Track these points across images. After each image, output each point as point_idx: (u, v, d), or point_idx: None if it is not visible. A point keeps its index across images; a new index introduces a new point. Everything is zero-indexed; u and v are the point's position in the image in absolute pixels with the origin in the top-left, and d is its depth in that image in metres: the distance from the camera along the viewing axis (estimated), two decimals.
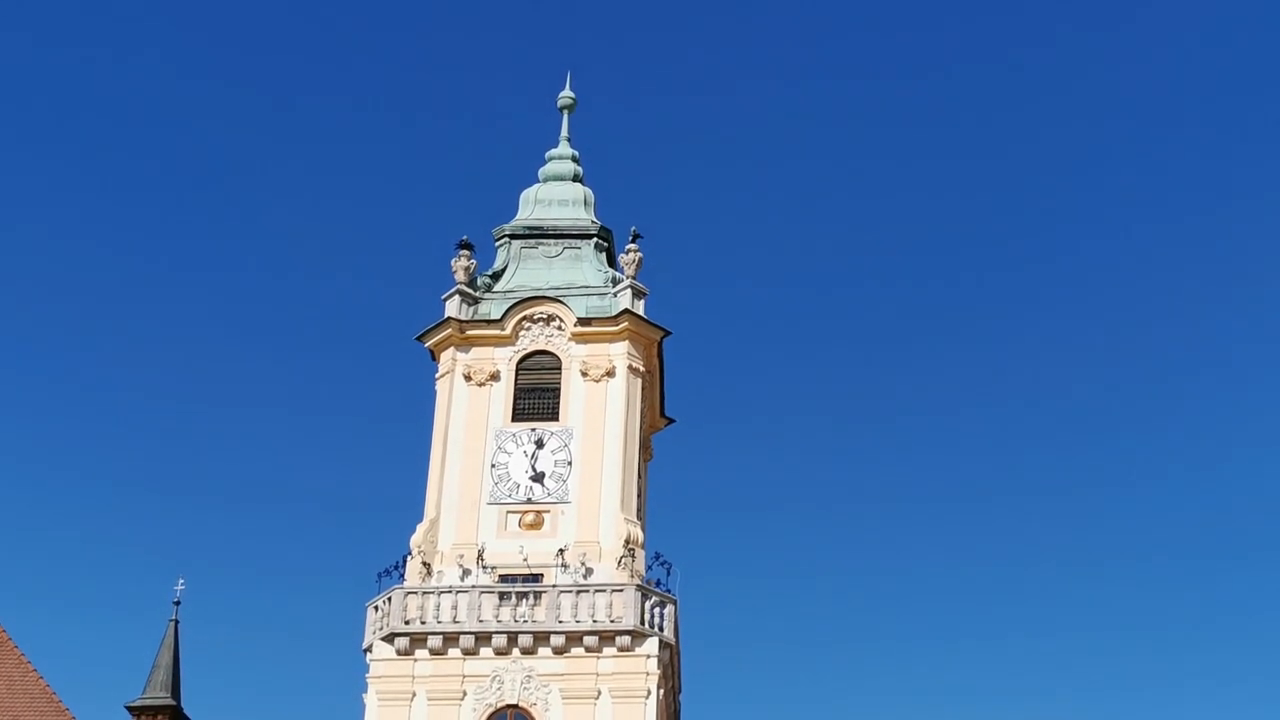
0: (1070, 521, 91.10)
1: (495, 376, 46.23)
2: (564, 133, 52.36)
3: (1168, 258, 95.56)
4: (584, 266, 48.66)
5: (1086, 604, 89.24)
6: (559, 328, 46.71)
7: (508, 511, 44.32)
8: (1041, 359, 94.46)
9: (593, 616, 41.87)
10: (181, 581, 47.84)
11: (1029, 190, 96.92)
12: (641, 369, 46.66)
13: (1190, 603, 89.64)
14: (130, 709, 45.70)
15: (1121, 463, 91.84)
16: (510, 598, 42.31)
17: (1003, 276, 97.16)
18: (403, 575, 43.46)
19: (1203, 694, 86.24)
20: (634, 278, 47.05)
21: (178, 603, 47.50)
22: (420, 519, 44.47)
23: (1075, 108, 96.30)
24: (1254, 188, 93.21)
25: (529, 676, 41.53)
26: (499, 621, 41.97)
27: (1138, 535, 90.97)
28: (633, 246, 47.46)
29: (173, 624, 47.29)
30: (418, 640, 41.95)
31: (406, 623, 42.06)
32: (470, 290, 47.36)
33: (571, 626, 41.73)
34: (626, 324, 46.32)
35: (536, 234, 49.37)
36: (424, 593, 42.48)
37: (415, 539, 44.00)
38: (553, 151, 51.99)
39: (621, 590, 42.14)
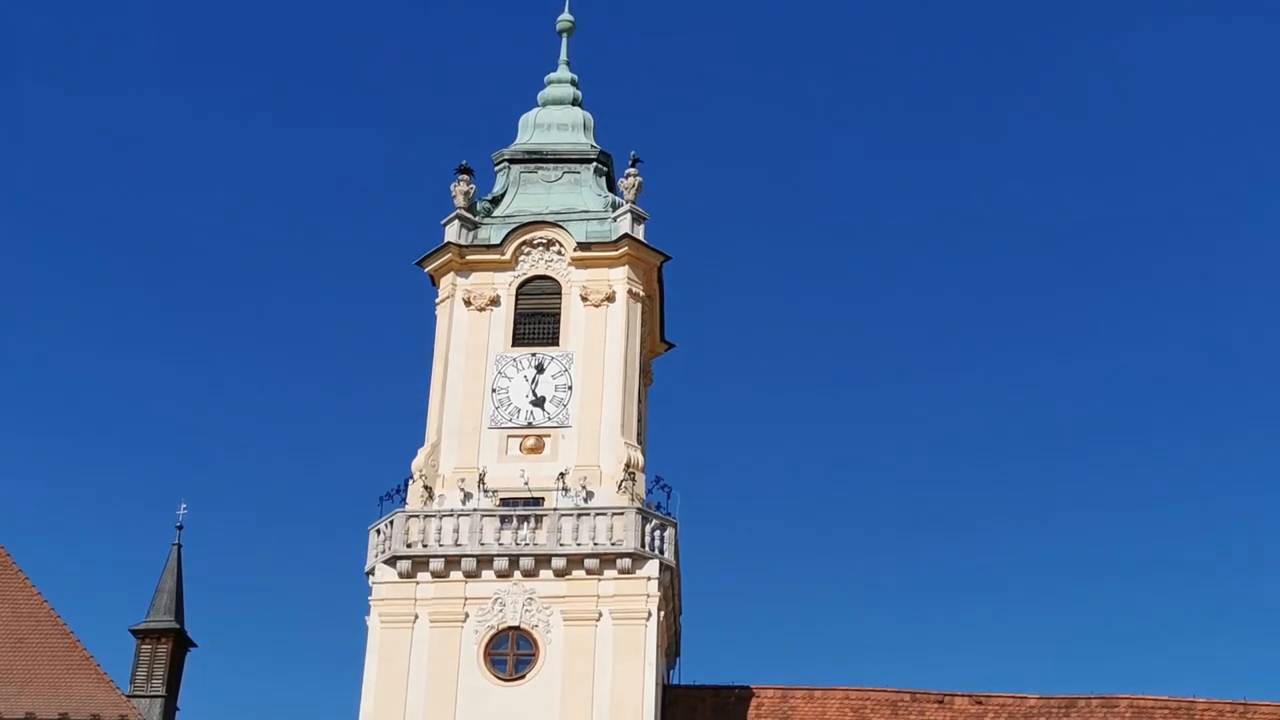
0: (1079, 429, 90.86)
1: (495, 301, 46.29)
2: (563, 56, 52.11)
3: None
4: (583, 191, 48.60)
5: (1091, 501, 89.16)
6: (559, 253, 46.71)
7: (508, 436, 44.51)
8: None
9: (593, 539, 42.14)
10: (184, 506, 48.12)
11: None
12: (641, 294, 46.71)
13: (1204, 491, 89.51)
14: (134, 632, 46.01)
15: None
16: (511, 521, 42.58)
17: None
18: (404, 499, 43.72)
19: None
20: (634, 202, 47.00)
21: (180, 527, 47.77)
22: (421, 443, 44.69)
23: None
24: None
25: (530, 599, 41.85)
26: (500, 545, 42.25)
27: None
28: (632, 171, 47.38)
29: (176, 548, 47.55)
30: (419, 563, 42.25)
31: (408, 546, 42.34)
32: (470, 215, 47.33)
33: (572, 549, 42.02)
34: (626, 249, 46.31)
35: (536, 158, 49.27)
36: (425, 516, 42.74)
37: (417, 463, 44.22)
38: (552, 75, 51.77)
39: (622, 513, 42.39)
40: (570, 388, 44.88)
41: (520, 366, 45.31)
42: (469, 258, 46.65)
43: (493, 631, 41.67)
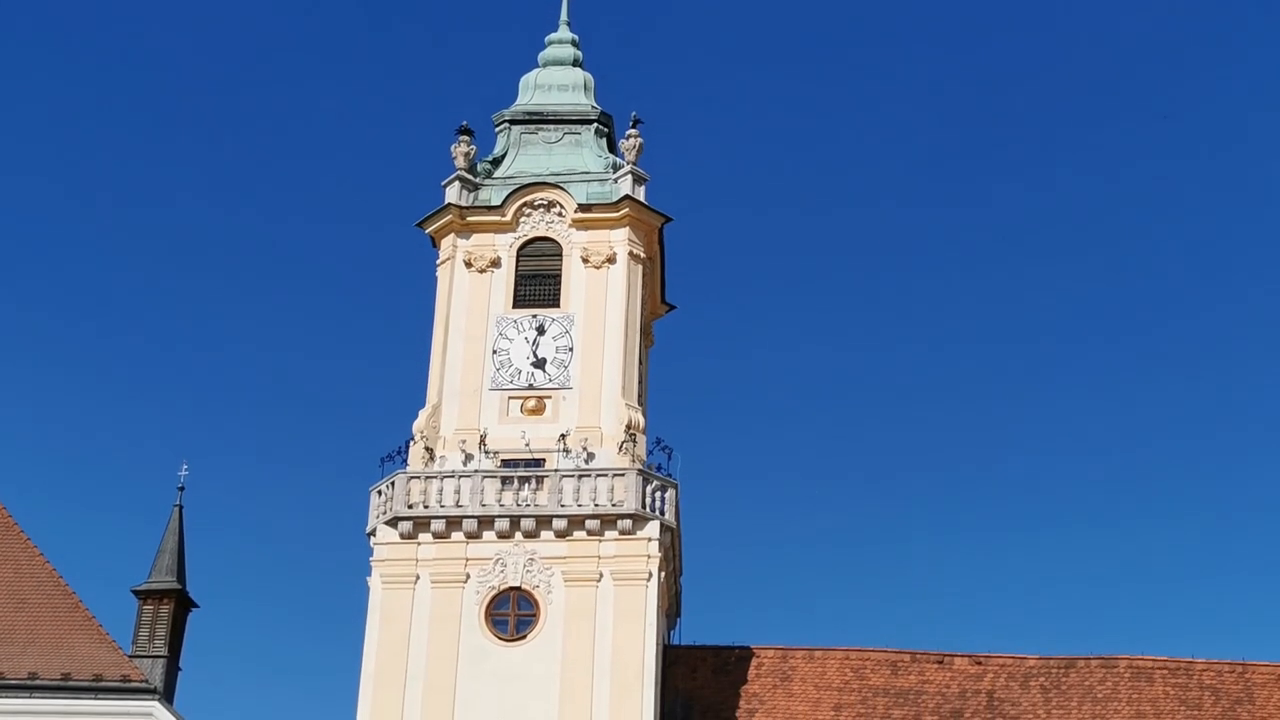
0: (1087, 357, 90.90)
1: (496, 263, 46.24)
2: (564, 16, 51.90)
3: None
4: (584, 152, 48.49)
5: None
6: (559, 214, 46.65)
7: (509, 397, 44.54)
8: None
9: (594, 500, 42.23)
10: (185, 467, 48.09)
11: None
12: (642, 255, 46.66)
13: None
14: (136, 593, 46.07)
15: None
16: (512, 482, 42.65)
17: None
18: (405, 460, 43.79)
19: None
20: (634, 163, 46.88)
21: (182, 488, 47.72)
22: (423, 405, 44.73)
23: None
24: None
25: (531, 559, 41.96)
26: (501, 506, 42.34)
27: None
28: (633, 132, 47.24)
29: (177, 509, 47.56)
30: (420, 524, 42.34)
31: (410, 507, 42.43)
32: (470, 176, 47.24)
33: (573, 510, 42.11)
34: (627, 210, 46.25)
35: (536, 119, 49.12)
36: (427, 477, 42.81)
37: (418, 424, 44.27)
38: (552, 36, 51.57)
39: (623, 475, 42.46)
40: (571, 349, 44.89)
41: (521, 328, 45.31)
42: (469, 219, 46.60)
43: (494, 592, 41.79)
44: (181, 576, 46.58)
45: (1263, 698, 42.97)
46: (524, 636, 41.38)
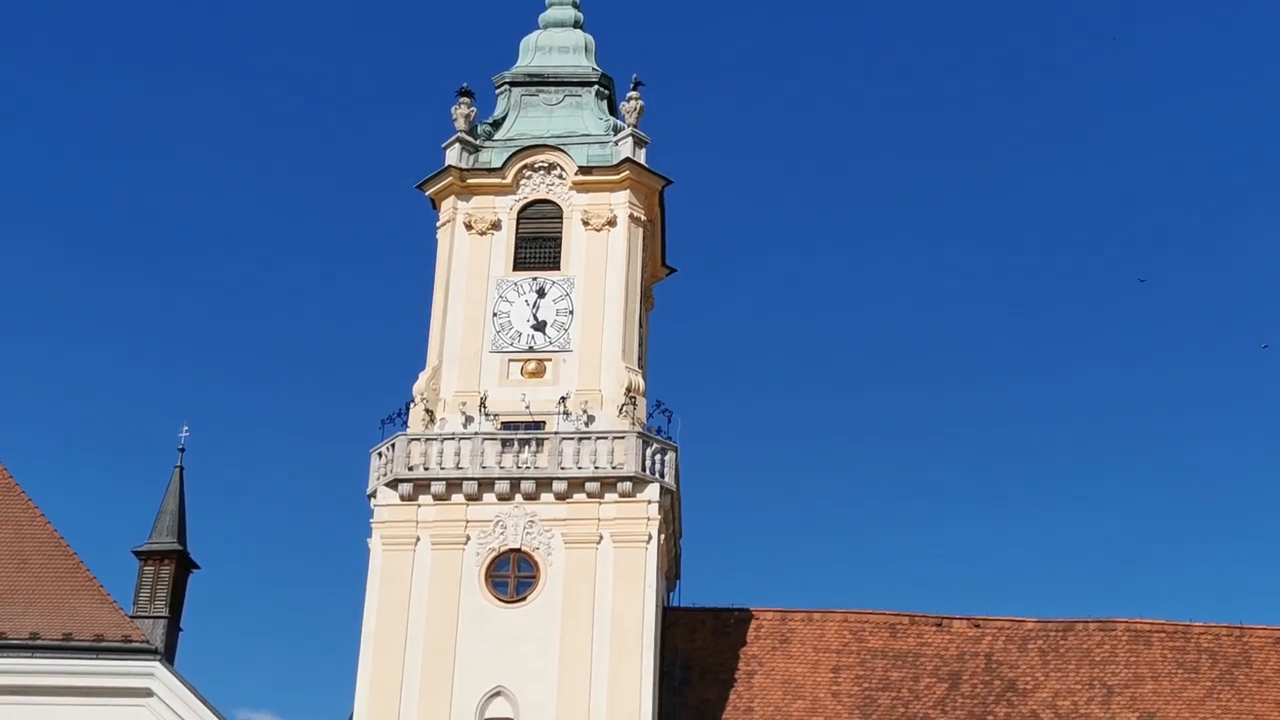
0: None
1: (496, 225, 46.18)
2: None
3: None
4: (585, 115, 48.37)
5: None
6: (560, 176, 46.56)
7: (509, 360, 44.55)
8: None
9: (594, 463, 42.27)
10: (186, 428, 48.11)
11: None
12: (643, 218, 46.60)
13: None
14: (137, 553, 46.15)
15: None
16: (513, 445, 42.68)
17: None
18: (405, 422, 43.80)
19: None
20: (635, 126, 46.75)
21: (183, 449, 47.74)
22: (423, 367, 44.75)
23: None
24: None
25: (531, 521, 42.04)
26: (501, 468, 42.38)
27: None
28: (634, 94, 47.08)
29: (178, 470, 47.60)
30: (421, 486, 42.39)
31: (410, 469, 42.48)
32: (470, 138, 47.13)
33: (574, 473, 42.16)
34: (628, 173, 46.15)
35: (537, 81, 48.95)
36: (427, 439, 42.86)
37: (418, 387, 44.29)
38: None
39: (623, 437, 42.51)
40: (571, 312, 44.85)
41: (521, 291, 45.28)
42: (469, 181, 46.51)
43: (494, 554, 41.88)
44: (182, 537, 46.66)
45: (1260, 660, 43.16)
46: (524, 598, 41.48)
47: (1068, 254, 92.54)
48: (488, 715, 40.47)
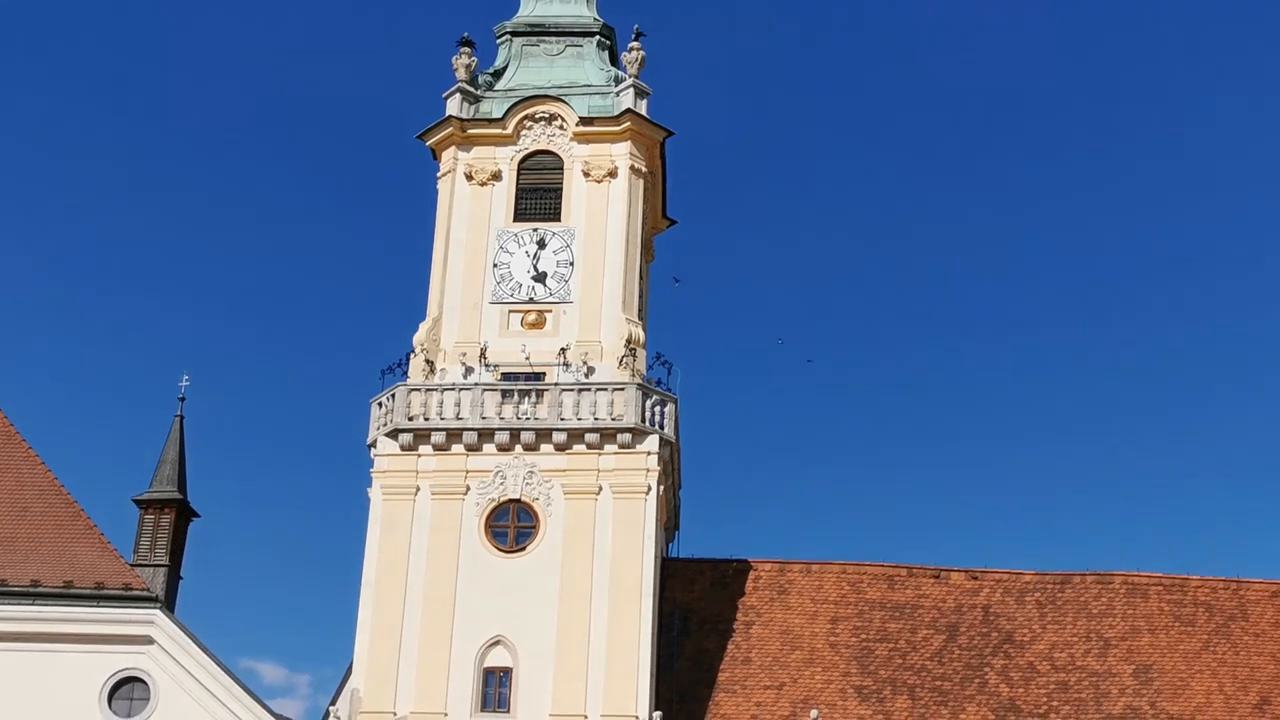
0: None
1: (497, 176, 46.06)
2: None
3: None
4: (586, 65, 48.17)
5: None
6: (561, 127, 46.41)
7: (510, 311, 44.52)
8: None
9: (594, 414, 42.31)
10: (186, 377, 48.19)
11: None
12: (644, 169, 46.47)
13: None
14: (137, 502, 46.32)
15: None
16: (513, 395, 42.71)
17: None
18: (406, 373, 43.82)
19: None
20: (637, 77, 46.58)
21: (183, 399, 47.87)
22: (423, 317, 44.72)
23: None
24: None
25: (531, 472, 42.09)
26: (501, 419, 42.40)
27: None
28: (635, 45, 46.90)
29: (178, 419, 47.71)
30: (421, 436, 42.45)
31: (410, 419, 42.52)
32: (471, 89, 46.96)
33: (573, 424, 42.20)
34: (629, 124, 46.00)
35: (538, 31, 48.75)
36: (427, 390, 42.88)
37: (418, 337, 44.28)
38: None
39: (623, 389, 42.53)
40: (572, 263, 44.79)
41: (522, 242, 45.20)
42: (470, 132, 46.37)
43: (494, 504, 41.96)
44: (182, 486, 46.81)
45: (1256, 614, 43.35)
46: (523, 548, 41.58)
47: (1066, 202, 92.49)
48: (487, 664, 40.65)
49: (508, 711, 40.22)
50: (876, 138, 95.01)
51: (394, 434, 42.58)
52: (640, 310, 45.63)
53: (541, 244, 45.10)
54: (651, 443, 42.28)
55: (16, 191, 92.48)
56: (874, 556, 45.28)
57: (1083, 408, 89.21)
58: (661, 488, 42.42)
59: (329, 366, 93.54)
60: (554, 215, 45.62)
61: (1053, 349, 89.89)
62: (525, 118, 46.45)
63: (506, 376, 43.35)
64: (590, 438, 42.22)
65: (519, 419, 42.39)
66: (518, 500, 41.98)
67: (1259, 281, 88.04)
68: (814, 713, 38.43)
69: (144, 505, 46.24)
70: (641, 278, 46.33)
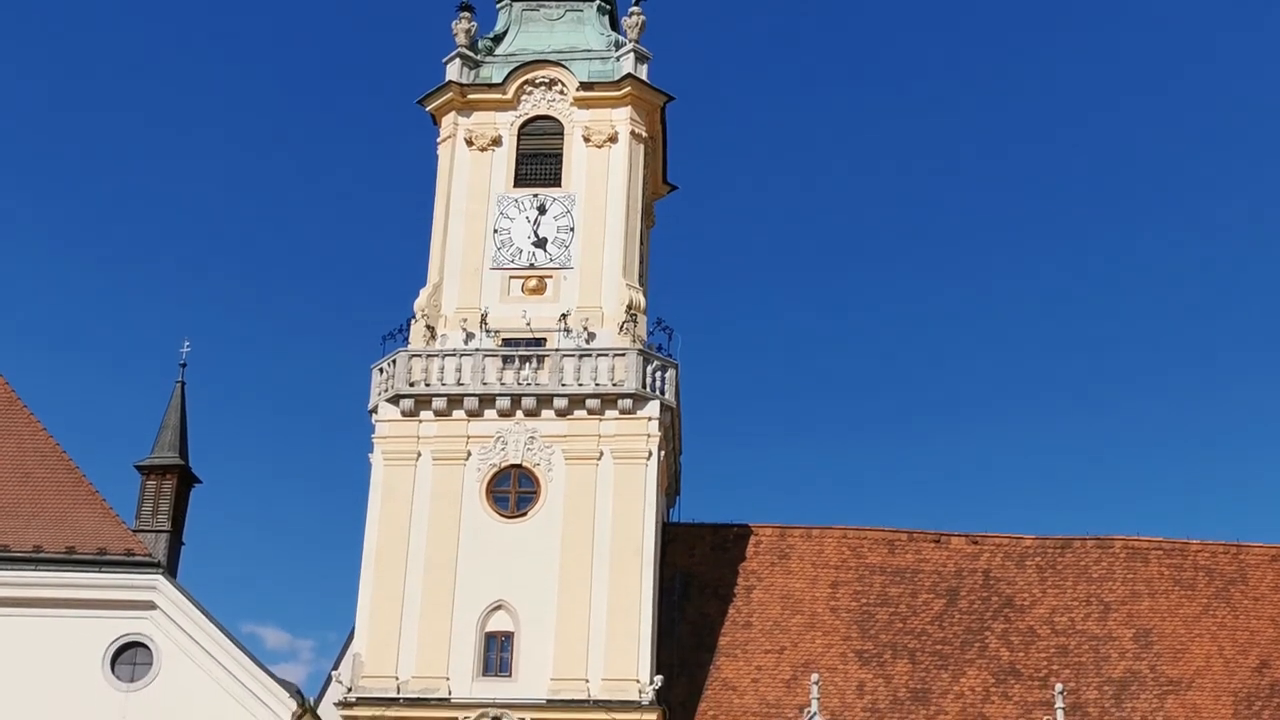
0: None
1: (497, 141, 45.95)
2: None
3: None
4: (586, 30, 48.02)
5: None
6: (561, 92, 46.28)
7: (510, 276, 44.48)
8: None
9: (595, 380, 42.32)
10: (188, 344, 48.19)
11: None
12: (644, 134, 46.35)
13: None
14: (139, 468, 46.37)
15: None
16: (513, 361, 42.72)
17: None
18: (407, 338, 43.82)
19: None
20: (637, 42, 46.44)
21: (184, 364, 47.85)
22: (424, 283, 44.69)
23: None
24: None
25: (532, 438, 42.13)
26: (502, 384, 42.42)
27: None
28: (636, 9, 46.74)
29: (179, 385, 47.72)
30: (422, 401, 42.48)
31: (411, 384, 42.55)
32: (471, 53, 46.82)
33: (574, 390, 42.22)
34: (629, 89, 45.88)
35: None
36: (428, 355, 42.90)
37: (419, 303, 44.27)
38: None
39: (623, 354, 42.54)
40: (572, 229, 44.73)
41: (522, 207, 45.14)
42: (470, 97, 46.24)
43: (495, 469, 42.01)
44: (184, 452, 46.84)
45: (1256, 578, 43.43)
46: (524, 514, 41.65)
47: (1064, 169, 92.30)
48: (488, 628, 40.76)
49: (509, 676, 40.34)
50: (878, 101, 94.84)
51: (395, 400, 42.60)
52: (641, 276, 45.59)
53: (542, 209, 45.03)
54: (652, 408, 42.30)
55: (17, 156, 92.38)
56: (874, 521, 45.41)
57: (1083, 372, 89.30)
58: (662, 453, 42.46)
59: (330, 332, 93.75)
60: (554, 180, 45.53)
61: (1053, 312, 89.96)
62: (525, 83, 46.33)
63: (507, 342, 43.34)
64: (591, 403, 42.24)
65: (520, 384, 42.41)
66: (519, 466, 42.02)
67: (1260, 247, 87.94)
68: (814, 676, 38.52)
69: (146, 471, 46.29)
70: (642, 243, 46.27)
